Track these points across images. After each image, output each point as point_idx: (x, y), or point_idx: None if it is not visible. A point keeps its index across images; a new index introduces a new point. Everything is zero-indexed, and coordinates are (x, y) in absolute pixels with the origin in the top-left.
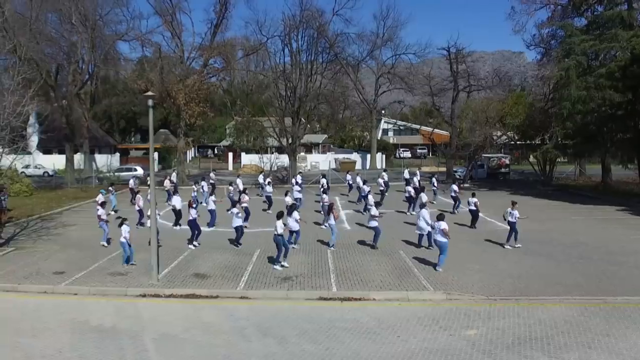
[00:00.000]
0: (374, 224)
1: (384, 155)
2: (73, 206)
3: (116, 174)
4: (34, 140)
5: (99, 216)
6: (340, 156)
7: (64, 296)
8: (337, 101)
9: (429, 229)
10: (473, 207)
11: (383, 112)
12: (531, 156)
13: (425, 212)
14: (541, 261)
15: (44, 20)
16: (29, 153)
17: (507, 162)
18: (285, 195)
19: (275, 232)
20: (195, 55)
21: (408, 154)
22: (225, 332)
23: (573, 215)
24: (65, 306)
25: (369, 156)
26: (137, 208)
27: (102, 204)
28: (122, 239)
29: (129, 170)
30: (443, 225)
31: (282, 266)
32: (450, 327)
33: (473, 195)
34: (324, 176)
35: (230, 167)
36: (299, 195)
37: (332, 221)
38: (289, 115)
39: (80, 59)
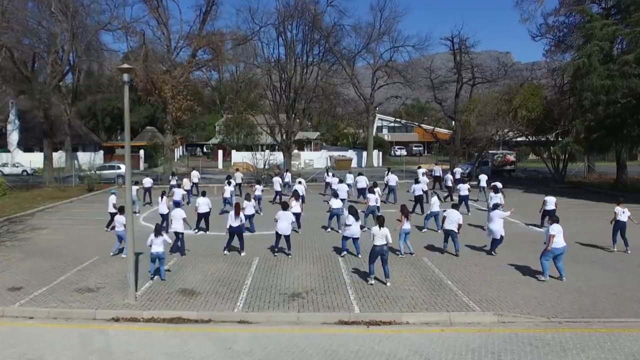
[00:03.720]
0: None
1: (380, 153)
2: (47, 207)
3: (98, 172)
4: (14, 138)
5: (124, 225)
6: (336, 153)
7: (17, 321)
8: (332, 96)
9: (502, 232)
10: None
11: (377, 108)
12: (532, 153)
13: (499, 213)
14: (597, 270)
15: (22, 7)
16: (8, 151)
17: (513, 158)
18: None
19: (377, 244)
20: (183, 44)
21: (404, 152)
22: None
23: (604, 215)
24: (17, 335)
25: (364, 154)
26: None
27: (121, 209)
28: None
29: (112, 168)
30: (557, 227)
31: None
32: None
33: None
34: (360, 174)
35: (220, 166)
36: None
37: (407, 226)
38: (284, 109)
39: (60, 49)
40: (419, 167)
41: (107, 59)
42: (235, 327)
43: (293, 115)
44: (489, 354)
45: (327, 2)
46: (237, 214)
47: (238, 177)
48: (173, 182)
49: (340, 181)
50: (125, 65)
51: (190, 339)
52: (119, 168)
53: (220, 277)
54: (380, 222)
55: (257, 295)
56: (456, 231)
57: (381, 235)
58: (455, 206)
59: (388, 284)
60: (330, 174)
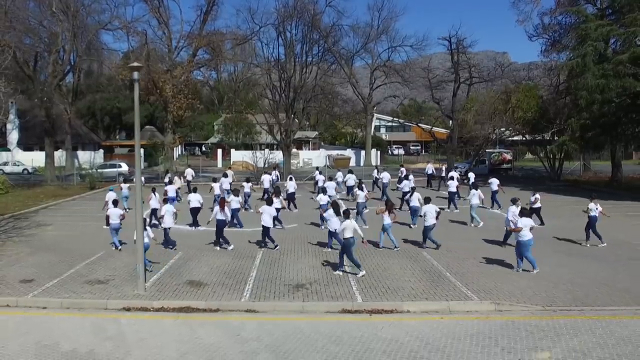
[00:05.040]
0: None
1: (378, 152)
2: (50, 204)
3: (99, 170)
4: (14, 137)
5: (119, 216)
6: (334, 152)
7: (30, 311)
8: (330, 95)
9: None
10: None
11: (375, 108)
12: (528, 152)
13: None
14: (590, 263)
15: (23, 6)
16: (8, 150)
17: (510, 157)
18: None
19: (345, 236)
20: (183, 44)
21: (401, 151)
22: (232, 358)
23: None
24: (31, 324)
25: (363, 153)
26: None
27: (115, 202)
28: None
29: (113, 166)
30: (525, 221)
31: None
32: (515, 348)
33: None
34: (350, 172)
35: (220, 165)
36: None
37: (387, 220)
38: (283, 108)
39: (61, 48)
40: (401, 166)
41: (107, 59)
42: (242, 315)
43: (292, 115)
44: (486, 338)
45: (326, 3)
46: (222, 208)
47: (230, 175)
48: (166, 179)
49: (330, 179)
50: (136, 64)
51: (200, 327)
52: (119, 167)
53: (226, 270)
54: (347, 215)
55: (262, 286)
56: (435, 223)
57: (351, 228)
58: (427, 200)
59: (363, 272)
60: (318, 172)
